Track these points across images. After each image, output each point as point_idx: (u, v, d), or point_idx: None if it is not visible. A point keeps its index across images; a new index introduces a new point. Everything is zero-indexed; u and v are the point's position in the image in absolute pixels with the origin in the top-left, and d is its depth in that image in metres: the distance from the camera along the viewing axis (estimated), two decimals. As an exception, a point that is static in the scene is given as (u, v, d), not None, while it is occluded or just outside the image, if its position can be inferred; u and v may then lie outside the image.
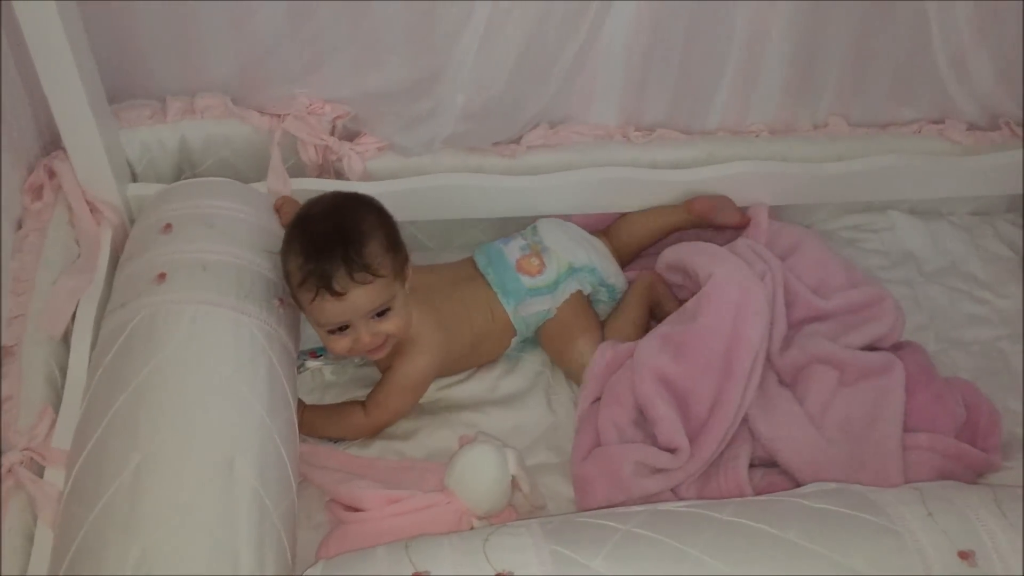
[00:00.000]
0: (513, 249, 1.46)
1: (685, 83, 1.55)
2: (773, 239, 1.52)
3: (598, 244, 1.52)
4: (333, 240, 1.21)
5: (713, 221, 1.54)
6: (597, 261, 1.47)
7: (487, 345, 1.44)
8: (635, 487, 1.27)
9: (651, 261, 1.55)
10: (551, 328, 1.45)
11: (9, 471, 1.11)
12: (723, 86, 1.56)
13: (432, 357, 1.34)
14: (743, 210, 1.57)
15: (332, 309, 1.22)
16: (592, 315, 1.47)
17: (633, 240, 1.57)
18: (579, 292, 1.45)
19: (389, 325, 1.27)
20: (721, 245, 1.49)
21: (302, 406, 1.34)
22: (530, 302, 1.42)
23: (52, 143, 1.41)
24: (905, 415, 1.32)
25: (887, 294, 1.44)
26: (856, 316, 1.43)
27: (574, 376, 1.44)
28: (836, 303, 1.44)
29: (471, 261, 1.47)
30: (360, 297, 1.22)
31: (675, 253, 1.47)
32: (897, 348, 1.41)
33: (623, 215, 1.57)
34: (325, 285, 1.20)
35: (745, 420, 1.34)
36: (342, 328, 1.25)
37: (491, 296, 1.42)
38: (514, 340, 1.45)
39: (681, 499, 1.29)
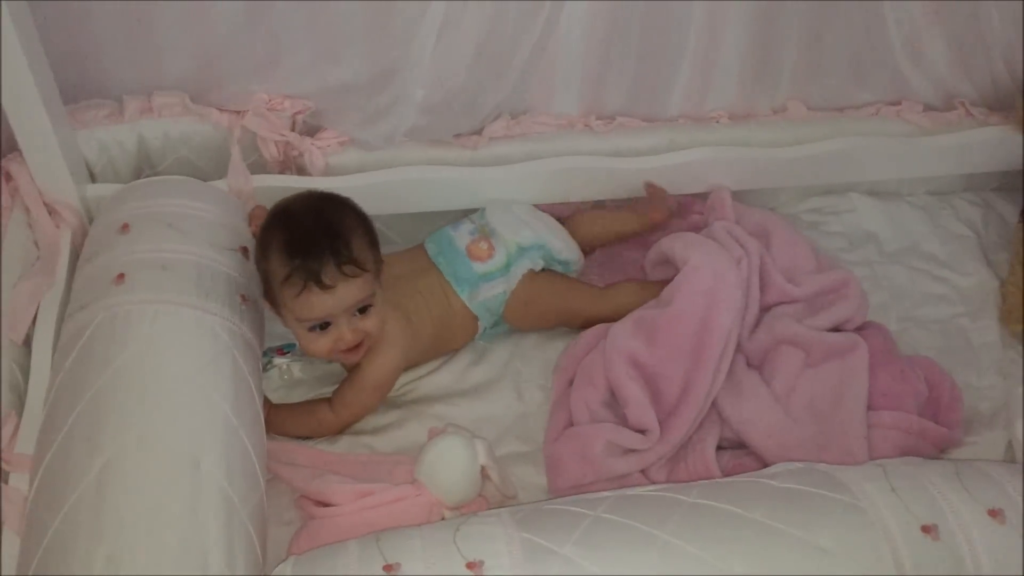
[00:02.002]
0: (463, 234, 1.46)
1: (644, 71, 1.56)
2: (738, 222, 1.53)
3: (548, 220, 1.52)
4: (320, 234, 1.22)
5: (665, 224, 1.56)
6: (546, 237, 1.48)
7: (450, 334, 1.44)
8: (605, 467, 1.29)
9: (626, 269, 1.57)
10: (514, 310, 1.46)
11: (-28, 477, 1.10)
12: (682, 73, 1.57)
13: (399, 352, 1.34)
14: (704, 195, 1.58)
15: (319, 303, 1.22)
16: (554, 283, 1.47)
17: (587, 239, 1.57)
18: (530, 272, 1.45)
19: (369, 322, 1.27)
20: (689, 230, 1.50)
21: (268, 405, 1.33)
22: (484, 287, 1.43)
23: (8, 145, 1.39)
24: (869, 394, 1.34)
25: (852, 276, 1.46)
26: (823, 298, 1.46)
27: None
28: (806, 289, 1.46)
29: (423, 250, 1.47)
30: (347, 291, 1.22)
31: (658, 249, 1.48)
32: (860, 329, 1.43)
33: (580, 213, 1.58)
34: (314, 279, 1.20)
35: (714, 403, 1.36)
36: (323, 326, 1.25)
37: (446, 285, 1.43)
38: (481, 326, 1.45)
39: (651, 481, 1.30)
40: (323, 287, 1.21)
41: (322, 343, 1.27)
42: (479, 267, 1.43)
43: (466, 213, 1.57)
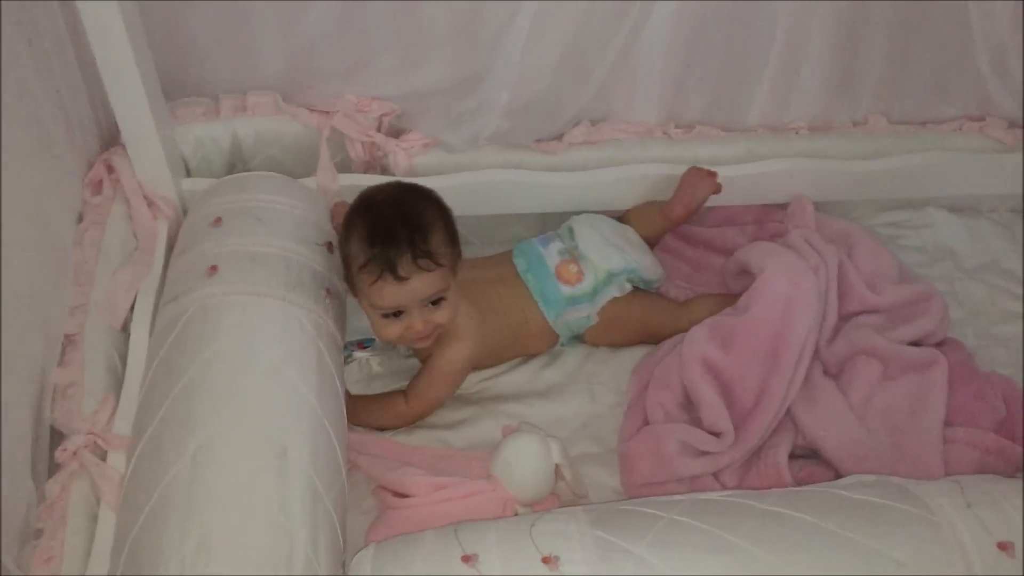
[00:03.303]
0: (552, 253, 1.46)
1: (725, 80, 1.57)
2: (819, 231, 1.54)
3: (631, 235, 1.53)
4: (400, 226, 1.25)
5: (693, 215, 1.56)
6: (634, 260, 1.49)
7: (525, 345, 1.47)
8: (679, 466, 1.31)
9: (707, 277, 1.58)
10: (596, 332, 1.49)
11: (74, 454, 1.15)
12: (763, 83, 1.58)
13: (471, 347, 1.37)
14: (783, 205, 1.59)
15: (392, 293, 1.25)
16: (636, 305, 1.49)
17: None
18: (617, 297, 1.47)
19: (441, 315, 1.30)
20: (768, 238, 1.51)
21: (347, 396, 1.37)
22: (569, 310, 1.45)
23: (111, 139, 1.45)
24: (946, 410, 1.33)
25: (935, 291, 1.46)
26: (905, 311, 1.45)
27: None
28: (888, 299, 1.46)
29: (510, 262, 1.48)
30: (421, 283, 1.25)
31: (736, 258, 1.50)
32: (939, 345, 1.42)
33: (629, 210, 1.58)
34: (389, 269, 1.23)
35: (788, 410, 1.36)
36: (396, 313, 1.29)
37: (529, 302, 1.44)
38: (560, 341, 1.48)
39: (723, 485, 1.32)
40: (398, 278, 1.24)
41: (393, 329, 1.30)
42: (567, 290, 1.44)
43: (544, 217, 1.60)
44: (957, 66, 1.58)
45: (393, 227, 1.25)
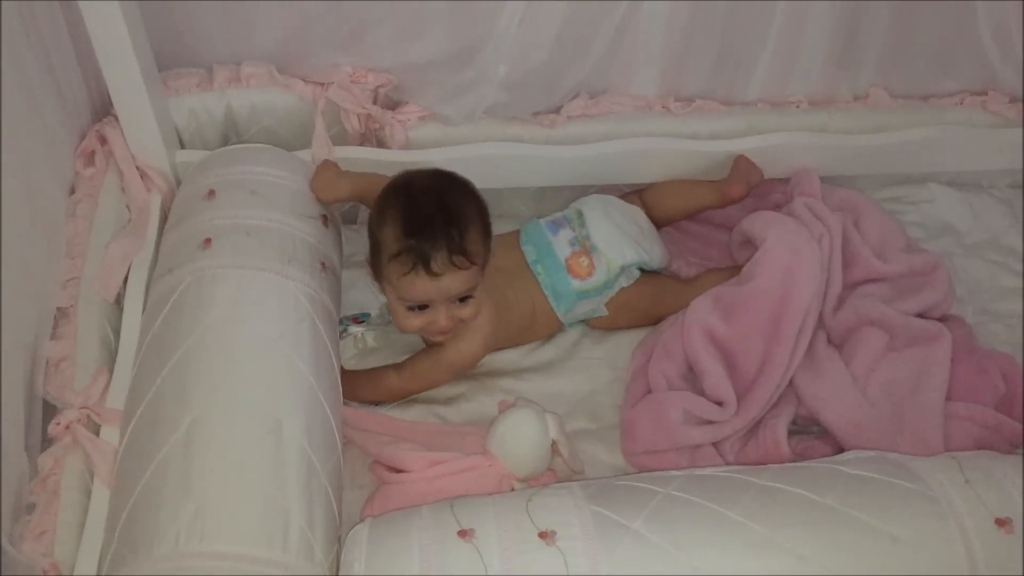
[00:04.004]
0: (562, 244, 1.43)
1: (725, 54, 1.55)
2: (824, 201, 1.52)
3: (641, 220, 1.51)
4: (438, 219, 1.21)
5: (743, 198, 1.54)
6: (645, 250, 1.46)
7: (533, 333, 1.46)
8: (680, 434, 1.30)
9: (714, 252, 1.57)
10: (602, 320, 1.48)
11: (67, 428, 1.14)
12: (763, 57, 1.56)
13: (483, 341, 1.35)
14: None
15: (423, 287, 1.23)
16: (644, 291, 1.47)
17: (665, 212, 1.56)
18: (623, 288, 1.45)
19: (466, 311, 1.28)
20: (772, 209, 1.50)
21: (341, 371, 1.36)
22: (580, 304, 1.43)
23: (103, 110, 1.43)
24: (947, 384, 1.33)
25: (941, 263, 1.45)
26: (911, 281, 1.45)
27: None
28: (895, 267, 1.45)
29: (518, 248, 1.44)
30: (453, 281, 1.23)
31: (739, 229, 1.49)
32: (942, 320, 1.42)
33: (655, 185, 1.57)
34: (423, 263, 1.20)
35: (791, 380, 1.36)
36: (421, 307, 1.26)
37: (539, 295, 1.41)
38: (565, 328, 1.48)
39: (722, 455, 1.32)
40: (431, 274, 1.21)
41: (415, 322, 1.28)
42: (578, 284, 1.41)
43: (543, 191, 1.59)
44: (959, 40, 1.56)
45: (431, 220, 1.21)
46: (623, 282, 1.45)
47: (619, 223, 1.47)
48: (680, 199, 1.55)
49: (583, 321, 1.49)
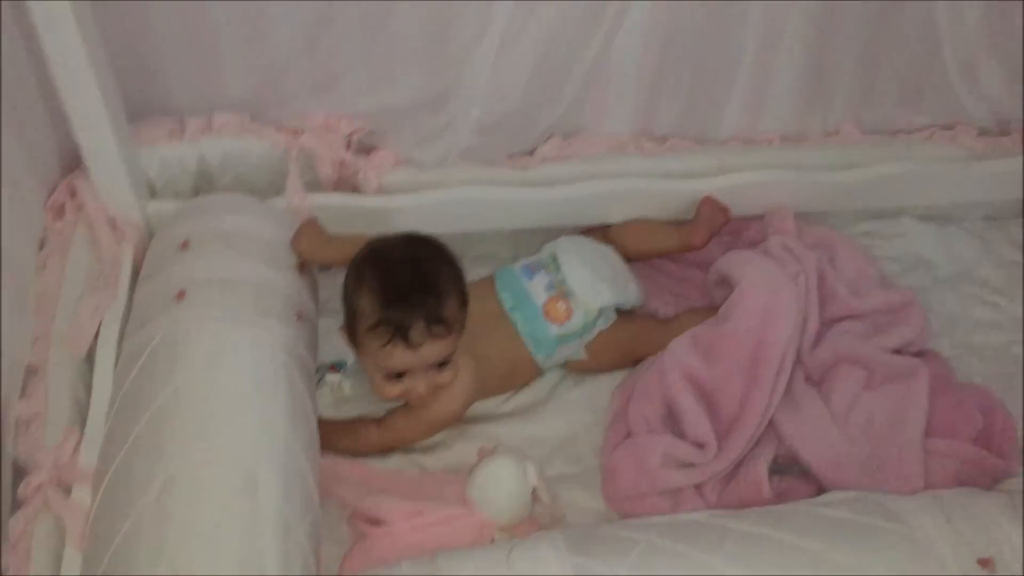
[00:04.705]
0: (538, 288, 1.42)
1: (697, 93, 1.56)
2: (800, 238, 1.53)
3: (614, 259, 1.50)
4: (416, 290, 1.20)
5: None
6: (622, 291, 1.46)
7: (512, 382, 1.45)
8: (662, 478, 1.29)
9: (691, 291, 1.57)
10: (580, 363, 1.47)
11: (38, 489, 1.12)
12: (735, 95, 1.57)
13: (463, 399, 1.34)
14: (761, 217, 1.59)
15: (401, 357, 1.22)
16: (622, 333, 1.46)
17: (628, 252, 1.54)
18: (601, 330, 1.45)
19: (445, 376, 1.27)
20: (746, 248, 1.51)
21: (319, 421, 1.35)
22: (560, 349, 1.42)
23: (73, 162, 1.42)
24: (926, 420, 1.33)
25: (916, 299, 1.46)
26: (887, 318, 1.45)
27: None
28: (870, 303, 1.46)
29: (494, 296, 1.43)
30: (432, 350, 1.22)
31: (715, 268, 1.49)
32: (917, 355, 1.42)
33: (619, 225, 1.56)
34: (401, 335, 1.19)
35: (769, 420, 1.35)
36: (399, 375, 1.25)
37: (518, 343, 1.40)
38: (540, 376, 1.47)
39: (704, 498, 1.31)
40: (409, 345, 1.20)
41: (393, 390, 1.27)
42: (556, 329, 1.40)
43: (518, 233, 1.58)
44: (927, 75, 1.58)
45: (409, 290, 1.20)
46: (601, 324, 1.45)
47: (593, 265, 1.46)
48: (643, 242, 1.55)
49: (561, 365, 1.48)
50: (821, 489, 1.31)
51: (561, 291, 1.42)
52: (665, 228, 1.55)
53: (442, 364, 1.26)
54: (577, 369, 1.49)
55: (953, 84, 1.59)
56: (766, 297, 1.38)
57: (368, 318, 1.21)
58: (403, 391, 1.27)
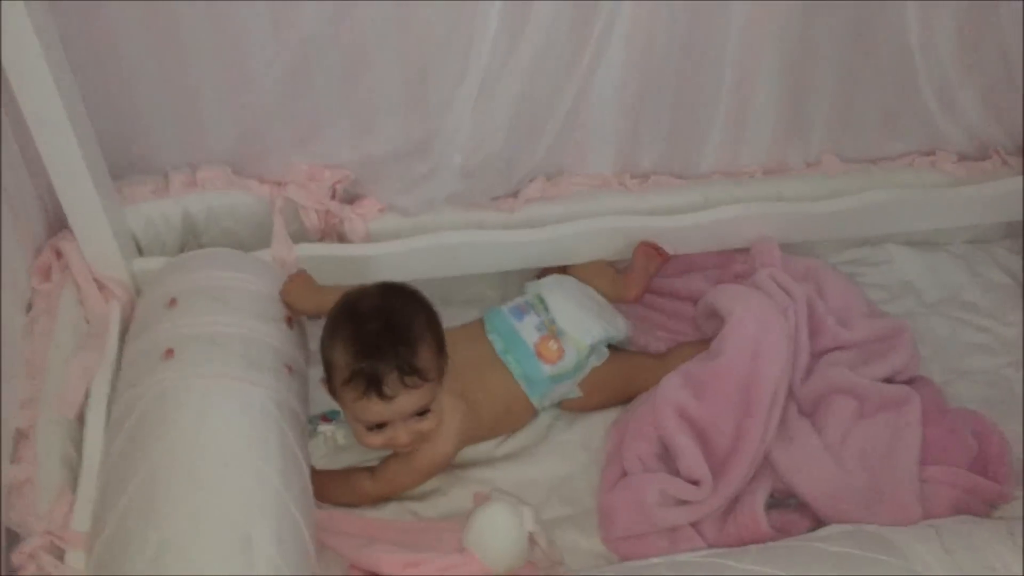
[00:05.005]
0: (529, 329, 1.42)
1: (677, 129, 1.57)
2: (786, 270, 1.54)
3: (595, 295, 1.52)
4: (386, 341, 1.20)
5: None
6: (610, 325, 1.47)
7: (507, 424, 1.45)
8: (658, 517, 1.29)
9: (682, 325, 1.57)
10: (575, 401, 1.47)
11: (31, 556, 1.11)
12: (714, 129, 1.58)
13: (454, 443, 1.34)
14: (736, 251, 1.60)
15: (377, 410, 1.22)
16: (615, 370, 1.47)
17: None
18: (595, 367, 1.45)
19: (426, 424, 1.27)
20: (733, 280, 1.52)
21: (312, 472, 1.34)
22: (554, 389, 1.43)
23: (57, 223, 1.42)
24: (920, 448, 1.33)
25: (905, 326, 1.47)
26: (877, 347, 1.46)
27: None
28: (860, 333, 1.46)
29: (485, 338, 1.43)
30: (407, 401, 1.22)
31: (704, 302, 1.49)
32: (909, 382, 1.42)
33: (573, 267, 1.56)
34: (375, 388, 1.19)
35: (765, 455, 1.35)
36: (379, 425, 1.25)
37: (512, 384, 1.40)
38: (535, 416, 1.47)
39: (702, 535, 1.30)
40: (383, 397, 1.20)
41: (376, 440, 1.26)
42: (550, 368, 1.40)
43: (505, 275, 1.59)
44: (904, 103, 1.59)
45: (379, 342, 1.20)
46: (594, 361, 1.45)
47: (579, 302, 1.47)
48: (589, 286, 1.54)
49: (556, 405, 1.48)
50: (819, 521, 1.31)
51: (552, 331, 1.43)
52: (607, 276, 1.55)
53: (422, 412, 1.26)
54: (572, 408, 1.48)
55: (930, 111, 1.60)
56: (756, 331, 1.38)
57: (342, 371, 1.22)
58: (385, 441, 1.27)
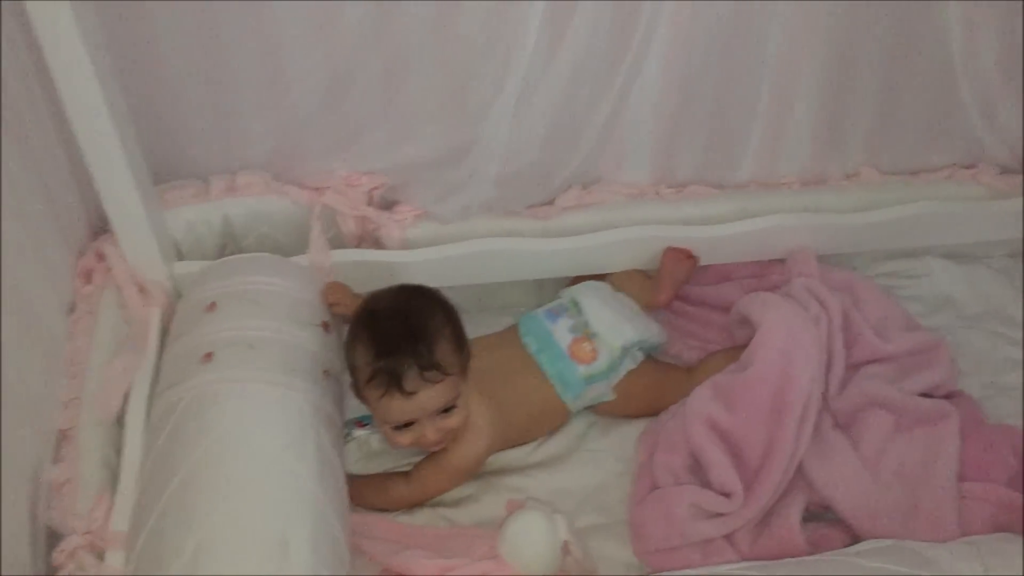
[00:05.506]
0: (562, 331, 1.44)
1: (714, 138, 1.56)
2: (822, 282, 1.52)
3: (629, 302, 1.52)
4: (403, 338, 1.22)
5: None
6: (644, 331, 1.47)
7: (541, 426, 1.45)
8: (690, 530, 1.28)
9: (714, 334, 1.57)
10: (609, 406, 1.47)
11: (71, 555, 1.12)
12: (752, 139, 1.57)
13: (486, 442, 1.35)
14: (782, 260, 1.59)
15: (400, 407, 1.23)
16: (649, 376, 1.47)
17: None
18: (630, 370, 1.45)
19: (453, 421, 1.28)
20: (769, 290, 1.51)
21: (347, 477, 1.35)
22: (588, 390, 1.43)
23: (100, 227, 1.44)
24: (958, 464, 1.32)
25: (943, 342, 1.45)
26: (914, 360, 1.45)
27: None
28: (898, 345, 1.45)
29: (518, 341, 1.44)
30: (429, 396, 1.23)
31: (736, 309, 1.49)
32: (947, 397, 1.41)
33: (610, 276, 1.57)
34: (395, 384, 1.21)
35: (800, 468, 1.34)
36: (407, 424, 1.26)
37: (545, 385, 1.41)
38: (572, 417, 1.47)
39: (736, 548, 1.30)
40: (404, 393, 1.21)
41: (404, 439, 1.28)
42: (584, 369, 1.41)
43: (540, 283, 1.59)
44: (945, 115, 1.58)
45: (397, 340, 1.22)
46: (629, 364, 1.45)
47: (613, 307, 1.48)
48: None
49: (590, 408, 1.48)
50: (855, 536, 1.30)
51: (586, 333, 1.43)
52: (637, 282, 1.55)
53: (448, 409, 1.27)
54: (605, 412, 1.48)
55: (972, 123, 1.59)
56: (786, 341, 1.37)
57: (364, 372, 1.23)
58: (413, 440, 1.28)
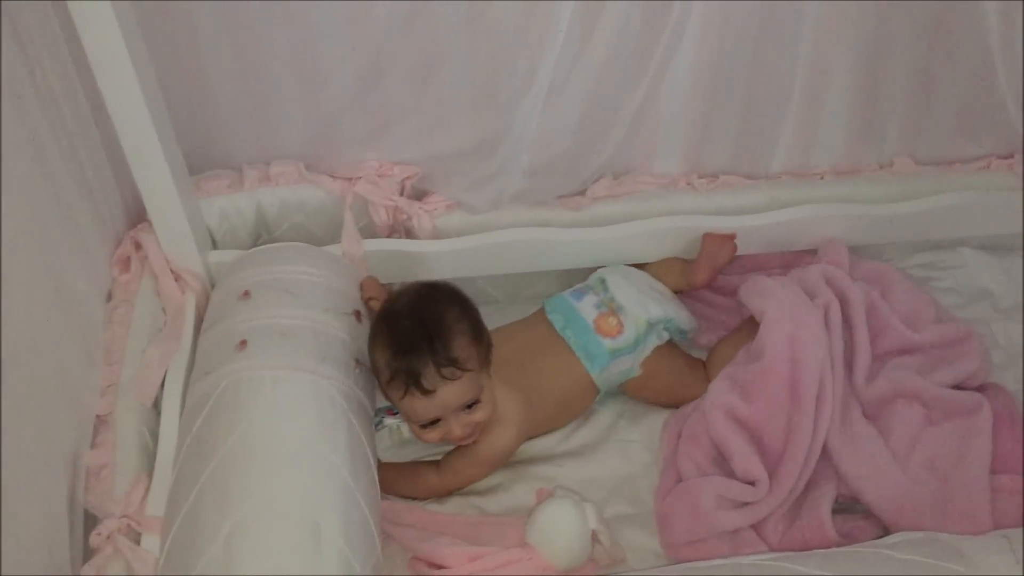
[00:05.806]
0: (588, 307, 1.45)
1: (747, 128, 1.56)
2: (852, 272, 1.52)
3: (660, 287, 1.53)
4: (419, 336, 1.23)
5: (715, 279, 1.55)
6: (671, 310, 1.48)
7: (570, 408, 1.46)
8: (717, 521, 1.28)
9: (727, 316, 1.57)
10: (635, 383, 1.47)
11: (109, 538, 1.15)
12: (785, 129, 1.56)
13: (515, 431, 1.35)
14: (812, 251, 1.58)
15: (423, 406, 1.24)
16: (675, 360, 1.49)
17: None
18: (657, 347, 1.46)
19: (479, 415, 1.28)
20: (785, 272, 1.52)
21: (378, 464, 1.36)
22: (614, 364, 1.43)
23: (137, 216, 1.46)
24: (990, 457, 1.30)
25: (974, 332, 1.44)
26: (945, 351, 1.43)
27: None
28: (927, 336, 1.44)
29: (544, 319, 1.47)
30: (449, 393, 1.24)
31: (737, 298, 1.49)
32: (981, 389, 1.40)
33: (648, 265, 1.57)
34: (414, 383, 1.22)
35: (829, 459, 1.34)
36: (433, 421, 1.27)
37: (572, 360, 1.42)
38: (597, 397, 1.47)
39: (764, 539, 1.29)
40: (424, 391, 1.22)
41: (432, 436, 1.29)
42: (609, 343, 1.42)
43: (570, 273, 1.59)
44: (982, 105, 1.56)
45: (412, 338, 1.23)
46: (654, 340, 1.46)
47: (639, 285, 1.49)
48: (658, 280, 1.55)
49: (617, 389, 1.48)
50: (886, 528, 1.29)
51: (611, 307, 1.45)
52: (675, 267, 1.56)
53: (471, 404, 1.27)
54: (632, 391, 1.48)
55: (1009, 113, 1.56)
56: (791, 326, 1.37)
57: (384, 373, 1.25)
58: (441, 436, 1.29)
